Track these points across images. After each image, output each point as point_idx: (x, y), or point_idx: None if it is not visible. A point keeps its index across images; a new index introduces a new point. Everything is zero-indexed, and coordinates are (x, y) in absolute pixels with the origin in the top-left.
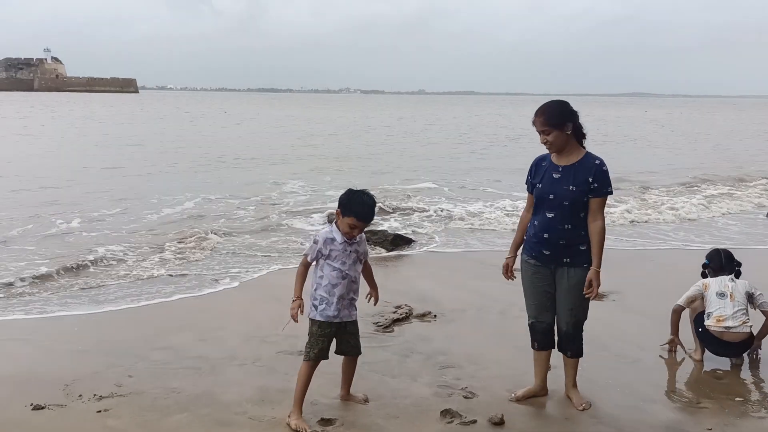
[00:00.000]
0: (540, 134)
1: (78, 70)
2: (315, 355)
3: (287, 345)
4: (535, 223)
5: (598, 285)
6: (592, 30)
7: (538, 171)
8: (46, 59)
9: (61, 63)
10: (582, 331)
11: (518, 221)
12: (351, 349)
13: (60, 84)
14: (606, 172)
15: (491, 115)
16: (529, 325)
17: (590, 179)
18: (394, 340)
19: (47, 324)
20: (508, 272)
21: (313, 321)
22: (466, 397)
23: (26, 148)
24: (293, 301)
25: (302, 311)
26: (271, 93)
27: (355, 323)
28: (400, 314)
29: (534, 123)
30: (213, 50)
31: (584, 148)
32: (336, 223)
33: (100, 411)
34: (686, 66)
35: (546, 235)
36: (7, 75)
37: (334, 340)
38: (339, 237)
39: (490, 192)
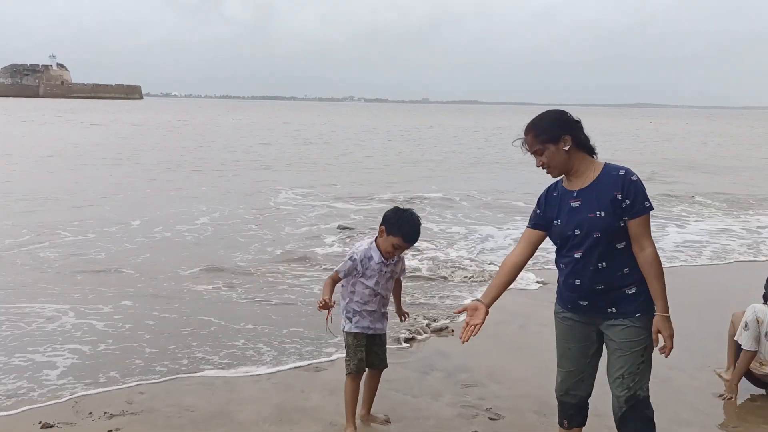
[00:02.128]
0: (534, 157)
1: (83, 76)
2: (355, 366)
3: (305, 359)
4: (562, 266)
5: (670, 335)
6: (599, 40)
7: (549, 204)
8: (51, 66)
9: (66, 69)
10: (646, 409)
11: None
12: (379, 362)
13: (65, 90)
14: (637, 183)
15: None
16: (557, 399)
17: (619, 196)
18: (412, 356)
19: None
20: (467, 322)
21: (348, 333)
22: (491, 419)
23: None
24: (324, 300)
25: (332, 305)
26: (276, 101)
27: (385, 335)
28: (418, 329)
29: (523, 145)
30: (219, 58)
31: (597, 159)
32: (376, 240)
33: (111, 430)
34: (691, 77)
35: (578, 282)
36: (12, 81)
37: None
38: (377, 256)
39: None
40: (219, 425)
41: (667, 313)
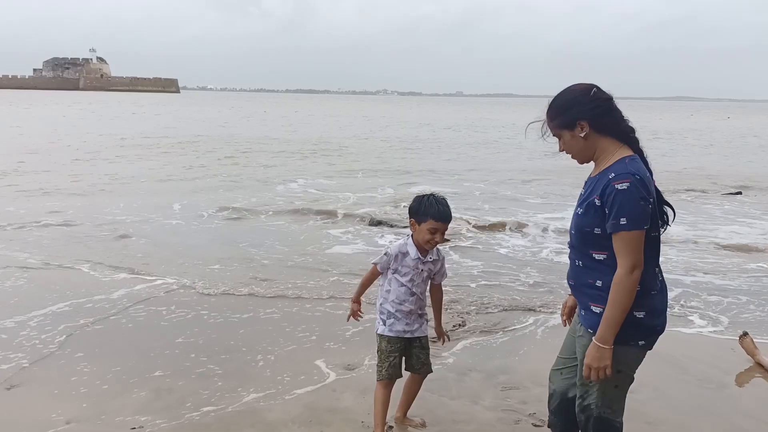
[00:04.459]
0: None
1: (122, 69)
2: (387, 373)
3: (338, 357)
4: None
5: (598, 368)
6: (640, 32)
7: None
8: (91, 59)
9: (105, 63)
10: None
11: None
12: (422, 366)
13: (104, 83)
14: (622, 193)
15: None
16: None
17: (597, 201)
18: (450, 355)
19: None
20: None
21: (381, 336)
22: (535, 425)
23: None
24: (352, 302)
25: (359, 313)
26: (309, 94)
27: (426, 338)
28: (453, 325)
29: (543, 127)
30: (255, 52)
31: (632, 151)
32: (412, 236)
33: (134, 428)
34: (733, 70)
35: (569, 269)
36: (54, 74)
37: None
38: (413, 252)
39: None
40: (247, 425)
41: (604, 344)
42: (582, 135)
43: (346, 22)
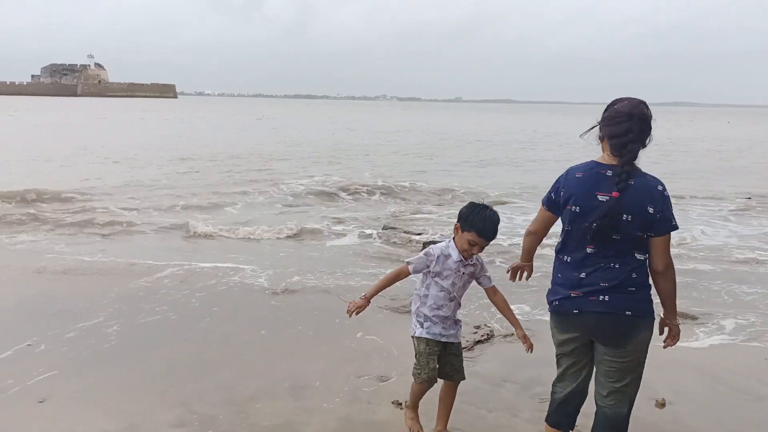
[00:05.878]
0: None
1: (119, 75)
2: (427, 376)
3: (370, 368)
4: None
5: None
6: (640, 37)
7: None
8: (89, 65)
9: (103, 69)
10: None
11: None
12: (455, 373)
13: (102, 89)
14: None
15: None
16: None
17: None
18: (482, 365)
19: None
20: None
21: (419, 339)
22: None
23: None
24: (360, 297)
25: (359, 311)
26: (307, 99)
27: (459, 345)
28: (482, 335)
29: None
30: (253, 57)
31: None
32: (454, 238)
33: None
34: (731, 75)
35: None
36: (52, 80)
37: None
38: (455, 255)
39: None
40: None
41: None
42: (599, 137)
43: (346, 27)
